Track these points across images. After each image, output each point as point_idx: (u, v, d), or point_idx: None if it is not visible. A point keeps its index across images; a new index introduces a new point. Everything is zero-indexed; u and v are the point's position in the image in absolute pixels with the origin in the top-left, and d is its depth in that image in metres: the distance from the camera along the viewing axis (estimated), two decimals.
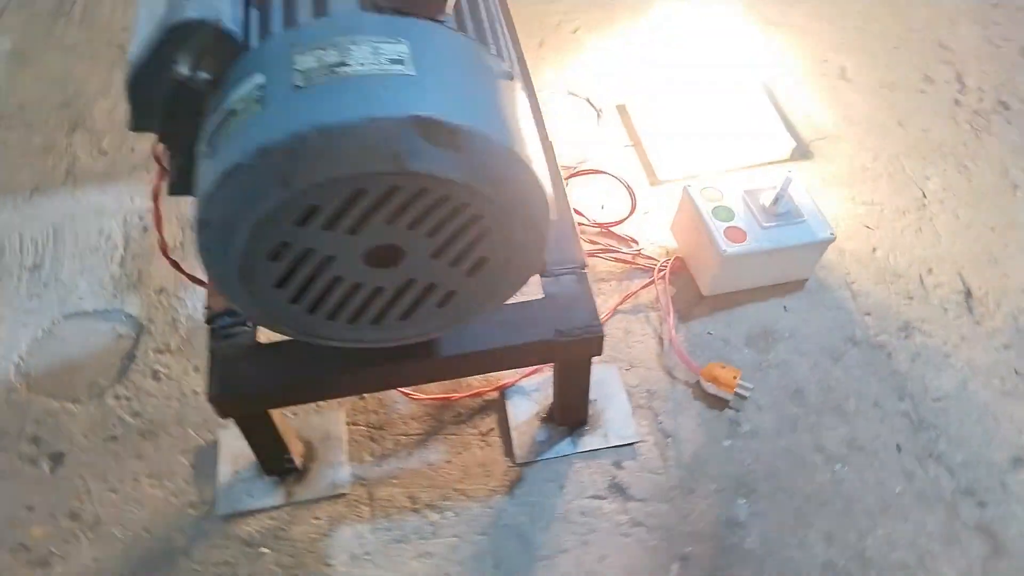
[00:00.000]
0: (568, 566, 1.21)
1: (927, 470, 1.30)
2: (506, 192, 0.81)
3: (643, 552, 1.22)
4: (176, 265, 1.20)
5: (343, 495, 1.28)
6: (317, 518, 1.26)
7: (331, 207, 0.78)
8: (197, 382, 1.41)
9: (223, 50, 0.80)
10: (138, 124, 0.85)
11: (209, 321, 1.13)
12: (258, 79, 0.77)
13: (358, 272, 0.87)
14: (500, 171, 0.79)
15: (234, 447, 1.33)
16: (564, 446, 1.33)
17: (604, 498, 1.28)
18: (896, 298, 1.51)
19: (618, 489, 1.29)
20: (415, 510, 1.27)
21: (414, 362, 1.10)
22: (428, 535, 1.24)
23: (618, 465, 1.31)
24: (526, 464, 1.31)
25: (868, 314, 1.49)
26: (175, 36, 0.78)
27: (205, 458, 1.33)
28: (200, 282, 1.25)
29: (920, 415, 1.36)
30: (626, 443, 1.33)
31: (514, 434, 1.34)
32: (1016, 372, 1.41)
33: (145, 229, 1.64)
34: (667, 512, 1.26)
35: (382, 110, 0.73)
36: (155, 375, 1.43)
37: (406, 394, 1.37)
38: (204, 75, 0.81)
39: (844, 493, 1.28)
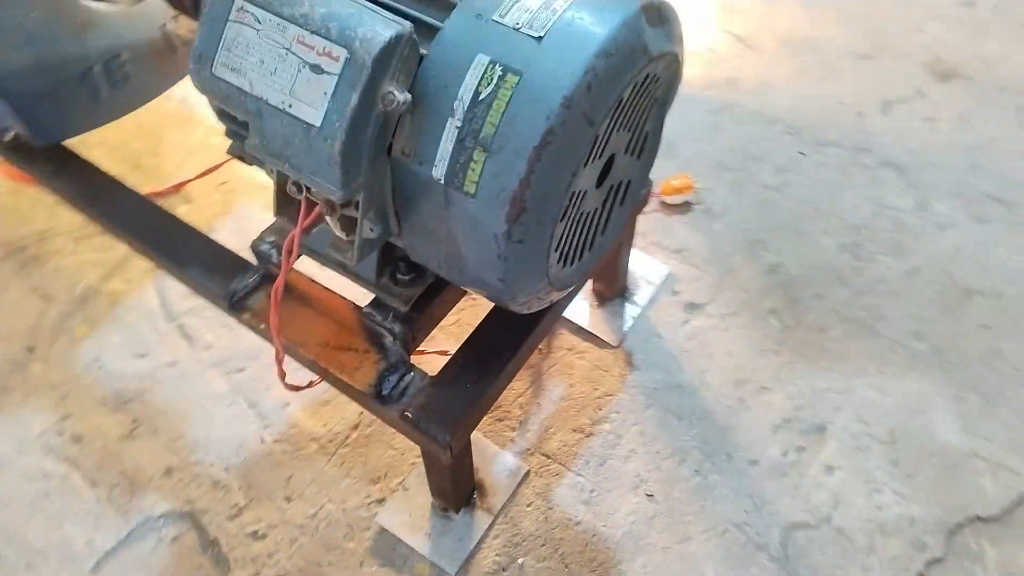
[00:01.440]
0: (719, 377, 1.38)
1: (827, 154, 1.68)
2: (683, 49, 0.90)
3: (747, 329, 1.43)
4: (296, 388, 1.07)
5: (527, 473, 1.28)
6: (530, 504, 1.26)
7: (602, 130, 0.81)
8: (302, 508, 1.26)
9: (413, 60, 0.76)
10: (348, 188, 0.77)
11: (378, 394, 1.03)
12: (482, 59, 0.75)
13: (593, 198, 0.90)
14: (679, 30, 0.88)
15: (402, 519, 1.24)
16: (631, 310, 1.46)
17: (689, 319, 1.45)
18: (706, 68, 1.85)
19: (691, 307, 1.47)
20: (588, 434, 1.32)
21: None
22: (615, 442, 1.31)
23: (674, 293, 1.48)
24: (622, 342, 1.42)
25: (706, 89, 1.80)
26: (382, 64, 0.72)
27: (384, 549, 1.22)
28: (312, 384, 1.14)
29: (792, 125, 1.73)
30: (665, 278, 1.50)
31: (593, 331, 1.43)
32: (818, 63, 1.84)
33: (78, 439, 1.33)
34: (733, 296, 1.48)
35: (619, 14, 0.77)
36: (256, 535, 1.23)
37: None
38: (407, 95, 0.76)
39: (807, 199, 1.60)
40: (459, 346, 1.09)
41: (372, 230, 0.84)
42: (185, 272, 1.17)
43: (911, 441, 1.30)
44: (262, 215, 1.59)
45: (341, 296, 1.11)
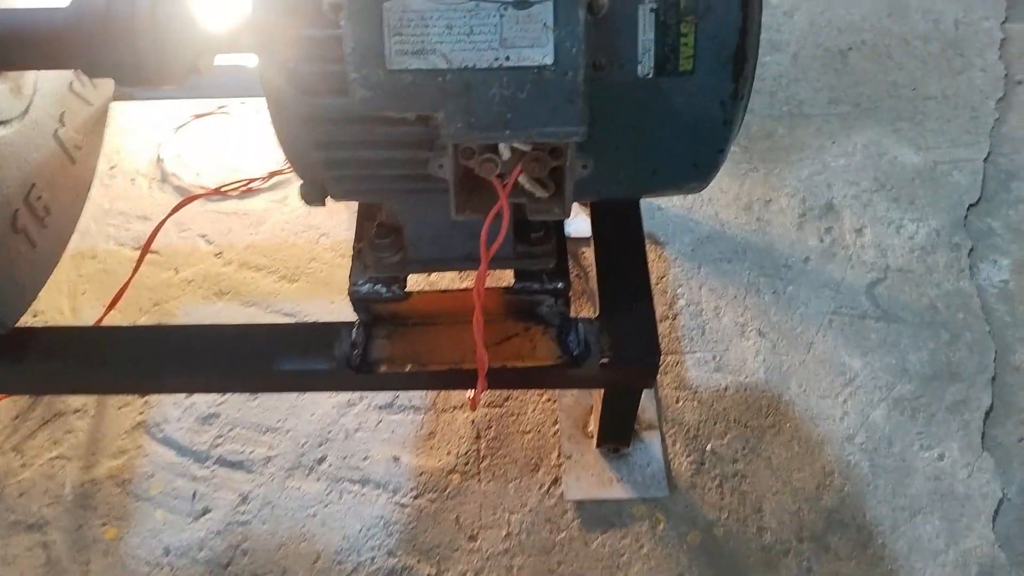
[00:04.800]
0: (730, 212, 1.46)
1: None
2: None
3: None
4: (475, 404, 0.96)
5: None
6: (677, 400, 1.26)
7: None
8: (493, 536, 1.15)
9: None
10: (587, 121, 0.70)
11: (572, 358, 0.96)
12: None
13: None
14: None
15: (587, 483, 1.19)
16: None
17: None
18: None
19: None
20: (673, 317, 1.34)
21: None
22: (698, 309, 1.35)
23: None
24: None
25: None
26: None
27: (595, 518, 1.16)
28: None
29: None
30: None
31: None
32: None
33: None
34: None
35: None
36: None
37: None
38: None
39: None
40: (597, 279, 1.05)
41: (585, 167, 0.77)
42: (273, 369, 0.99)
43: (892, 177, 1.49)
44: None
45: (463, 291, 1.01)
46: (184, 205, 1.42)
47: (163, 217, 1.37)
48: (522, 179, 0.77)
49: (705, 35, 0.73)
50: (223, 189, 1.49)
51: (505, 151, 0.74)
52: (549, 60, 0.66)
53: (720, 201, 1.48)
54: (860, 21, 1.72)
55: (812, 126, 1.57)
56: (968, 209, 1.45)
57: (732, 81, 0.75)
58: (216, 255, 1.45)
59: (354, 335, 0.99)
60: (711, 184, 0.90)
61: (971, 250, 1.40)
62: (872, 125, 1.56)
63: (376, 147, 0.77)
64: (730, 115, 0.77)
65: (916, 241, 1.41)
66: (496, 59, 0.66)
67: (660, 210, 1.47)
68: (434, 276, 1.35)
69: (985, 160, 1.50)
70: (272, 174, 1.48)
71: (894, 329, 1.32)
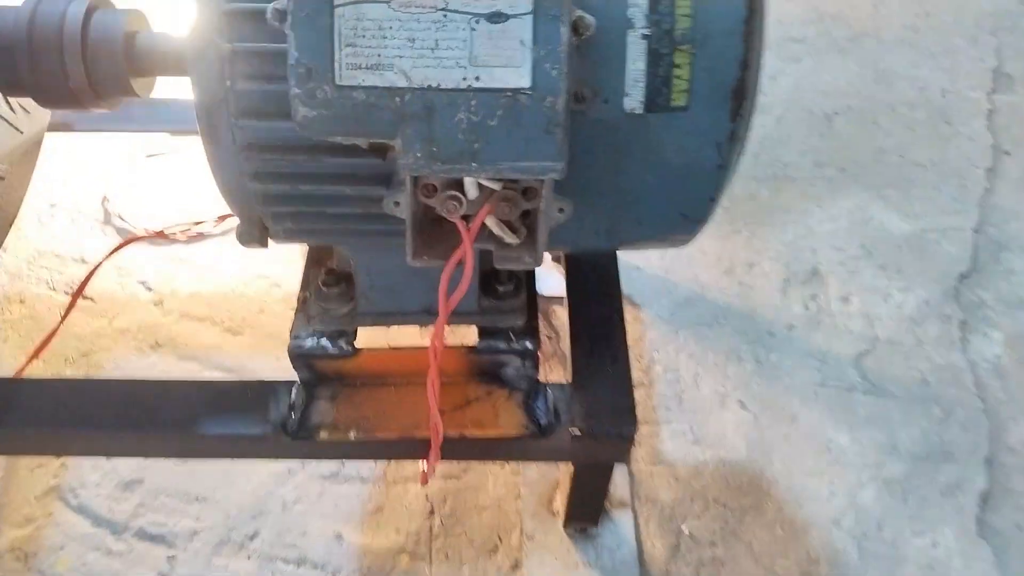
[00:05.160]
0: (711, 273, 1.38)
1: None
2: None
3: None
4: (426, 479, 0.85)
5: None
6: (651, 475, 1.15)
7: None
8: None
9: None
10: (566, 156, 0.61)
11: (539, 428, 0.86)
12: None
13: None
14: None
15: (551, 568, 1.07)
16: None
17: None
18: None
19: None
20: (650, 384, 1.25)
21: None
22: (676, 376, 1.25)
23: None
24: None
25: None
26: None
27: None
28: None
29: None
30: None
31: None
32: None
33: None
34: None
35: None
36: None
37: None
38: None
39: None
40: (570, 341, 0.95)
41: (562, 210, 0.68)
42: (196, 433, 0.86)
43: (879, 244, 1.42)
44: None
45: (419, 349, 0.90)
46: (123, 247, 1.31)
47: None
48: (489, 221, 0.67)
49: (701, 67, 0.65)
50: (168, 232, 1.38)
51: (471, 188, 0.64)
52: (526, 83, 0.57)
53: (700, 263, 1.40)
54: (845, 86, 1.68)
55: (797, 189, 1.51)
56: (958, 279, 1.39)
57: (730, 120, 0.67)
58: (156, 303, 1.33)
59: (293, 396, 0.87)
60: (690, 244, 0.83)
61: (962, 322, 1.33)
62: (858, 190, 1.50)
63: (322, 180, 0.68)
64: (725, 159, 0.69)
65: (905, 311, 1.34)
66: (464, 79, 0.57)
67: (637, 270, 1.38)
68: (393, 331, 1.25)
69: (975, 230, 1.44)
70: (223, 218, 1.38)
71: (883, 404, 1.23)
